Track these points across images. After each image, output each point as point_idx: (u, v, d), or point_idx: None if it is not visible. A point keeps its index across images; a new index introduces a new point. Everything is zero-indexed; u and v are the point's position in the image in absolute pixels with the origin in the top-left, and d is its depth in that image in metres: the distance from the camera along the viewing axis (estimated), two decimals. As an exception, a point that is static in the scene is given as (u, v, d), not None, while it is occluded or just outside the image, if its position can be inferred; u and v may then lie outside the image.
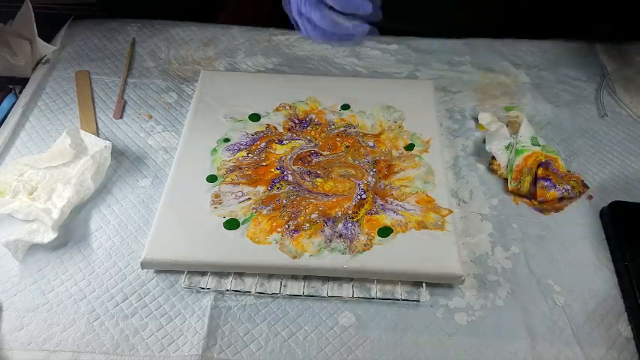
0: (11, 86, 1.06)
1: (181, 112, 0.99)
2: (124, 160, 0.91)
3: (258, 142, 0.91)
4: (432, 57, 1.12)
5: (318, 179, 0.85)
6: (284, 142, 0.91)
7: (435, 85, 1.03)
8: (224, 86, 0.99)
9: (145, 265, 0.75)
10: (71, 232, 0.81)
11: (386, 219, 0.80)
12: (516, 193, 0.87)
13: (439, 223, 0.79)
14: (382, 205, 0.82)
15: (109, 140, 0.89)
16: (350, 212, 0.80)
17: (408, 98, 0.98)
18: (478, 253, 0.80)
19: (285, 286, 0.76)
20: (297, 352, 0.70)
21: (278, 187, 0.84)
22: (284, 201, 0.82)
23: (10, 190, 0.81)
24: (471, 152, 0.94)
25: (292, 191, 0.83)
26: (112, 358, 0.69)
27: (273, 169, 0.86)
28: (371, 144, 0.91)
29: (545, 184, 0.85)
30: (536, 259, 0.80)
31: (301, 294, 0.75)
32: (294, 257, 0.75)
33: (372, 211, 0.81)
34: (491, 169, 0.91)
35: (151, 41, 1.13)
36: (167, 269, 0.76)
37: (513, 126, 0.96)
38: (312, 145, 0.91)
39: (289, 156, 0.89)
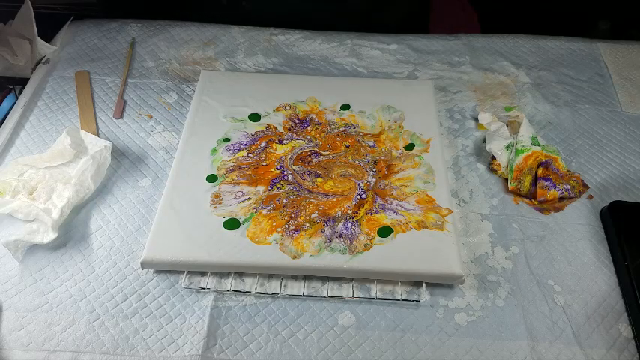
0: (11, 86, 1.06)
1: (181, 112, 0.99)
2: (124, 160, 0.91)
3: (258, 142, 0.91)
4: (432, 57, 1.12)
5: (318, 179, 0.85)
6: (284, 142, 0.91)
7: (435, 85, 1.03)
8: (224, 86, 0.99)
9: (145, 265, 0.75)
10: (71, 232, 0.81)
11: (386, 219, 0.80)
12: (516, 193, 0.87)
13: (439, 223, 0.79)
14: (382, 205, 0.82)
15: (109, 140, 0.89)
16: (350, 212, 0.80)
17: (408, 98, 0.98)
18: (478, 253, 0.80)
19: (285, 286, 0.76)
20: (297, 352, 0.70)
21: (278, 187, 0.84)
22: (284, 201, 0.82)
23: (10, 190, 0.81)
24: (471, 152, 0.94)
25: (292, 191, 0.83)
26: (112, 358, 0.69)
27: (273, 169, 0.86)
28: (371, 144, 0.91)
29: (545, 184, 0.85)
30: (536, 259, 0.80)
31: (301, 294, 0.75)
32: (294, 257, 0.75)
33: (372, 211, 0.81)
34: (491, 169, 0.91)
35: (151, 41, 1.13)
36: (167, 269, 0.76)
37: (513, 126, 0.96)
38: (312, 145, 0.91)
39: (289, 156, 0.89)
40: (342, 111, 0.97)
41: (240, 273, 0.77)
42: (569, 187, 0.86)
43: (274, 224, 0.79)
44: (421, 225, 0.79)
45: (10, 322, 0.71)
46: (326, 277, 0.77)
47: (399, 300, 0.74)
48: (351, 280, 0.77)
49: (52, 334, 0.70)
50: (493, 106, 1.02)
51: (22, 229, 0.77)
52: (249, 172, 0.86)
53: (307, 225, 0.79)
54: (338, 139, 0.92)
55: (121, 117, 0.98)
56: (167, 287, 0.75)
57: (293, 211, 0.80)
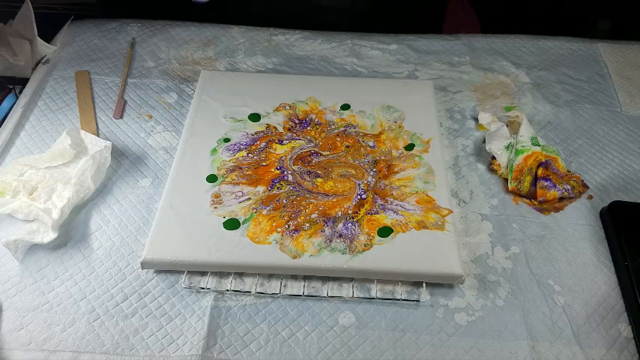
0: (11, 86, 1.06)
1: (181, 112, 0.99)
2: (124, 160, 0.91)
3: (258, 142, 0.91)
4: (432, 57, 1.12)
5: (318, 179, 0.85)
6: (284, 142, 0.91)
7: (435, 85, 1.03)
8: (224, 86, 0.99)
9: (145, 265, 0.75)
10: (71, 232, 0.81)
11: (386, 219, 0.80)
12: (516, 193, 0.87)
13: (439, 223, 0.79)
14: (382, 205, 0.82)
15: (109, 140, 0.89)
16: (350, 212, 0.80)
17: (408, 98, 0.98)
18: (478, 253, 0.80)
19: (285, 286, 0.76)
20: (297, 352, 0.70)
21: (278, 187, 0.84)
22: (284, 201, 0.82)
23: (10, 190, 0.81)
24: (471, 152, 0.94)
25: (292, 191, 0.83)
26: (112, 358, 0.69)
27: (273, 169, 0.86)
28: (371, 144, 0.91)
29: (545, 184, 0.85)
30: (536, 259, 0.80)
31: (301, 294, 0.75)
32: (294, 257, 0.75)
33: (372, 211, 0.81)
34: (491, 169, 0.91)
35: (151, 41, 1.13)
36: (167, 269, 0.76)
37: (513, 126, 0.96)
38: (312, 145, 0.91)
39: (289, 156, 0.89)
40: (342, 111, 0.97)
41: (240, 273, 0.77)
42: (569, 187, 0.86)
43: (274, 224, 0.79)
44: (421, 225, 0.79)
45: (10, 322, 0.71)
46: (326, 277, 0.76)
47: (399, 300, 0.74)
48: (351, 280, 0.76)
49: (52, 334, 0.70)
50: (493, 106, 1.02)
51: (22, 229, 0.77)
52: (249, 172, 0.86)
53: (307, 225, 0.79)
54: (338, 139, 0.92)
55: (121, 117, 0.98)
56: (167, 287, 0.75)
57: (293, 211, 0.80)
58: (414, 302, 0.74)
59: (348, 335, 0.71)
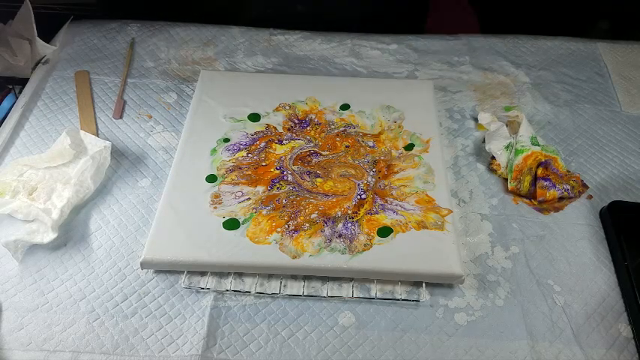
0: (11, 86, 1.05)
1: (181, 112, 0.99)
2: (124, 160, 0.91)
3: (258, 142, 0.91)
4: (432, 57, 1.12)
5: (318, 179, 0.85)
6: (284, 142, 0.91)
7: (435, 85, 1.03)
8: (224, 86, 0.99)
9: (144, 265, 0.75)
10: (71, 232, 0.81)
11: (386, 219, 0.80)
12: (516, 193, 0.87)
13: (439, 223, 0.79)
14: (382, 205, 0.82)
15: (108, 140, 0.89)
16: (350, 212, 0.80)
17: (408, 98, 0.98)
18: (478, 253, 0.80)
19: (285, 286, 0.76)
20: (297, 352, 0.70)
21: (278, 187, 0.84)
22: (284, 201, 0.82)
23: (10, 190, 0.81)
24: (471, 152, 0.94)
25: (292, 191, 0.83)
26: (112, 358, 0.69)
27: (273, 169, 0.86)
28: (371, 144, 0.91)
29: (545, 183, 0.85)
30: (536, 259, 0.80)
31: (301, 294, 0.75)
32: (294, 257, 0.75)
33: (372, 211, 0.81)
34: (491, 169, 0.91)
35: (150, 41, 1.13)
36: (167, 269, 0.76)
37: (513, 126, 0.96)
38: (312, 145, 0.91)
39: (289, 156, 0.89)
40: (341, 111, 0.97)
41: (240, 273, 0.77)
42: (568, 187, 0.86)
43: (274, 224, 0.79)
44: (421, 225, 0.79)
45: (10, 322, 0.71)
46: (326, 277, 0.76)
47: (398, 300, 0.74)
48: (350, 280, 0.76)
49: (51, 334, 0.70)
50: (493, 106, 1.02)
51: (22, 229, 0.77)
52: (249, 172, 0.86)
53: (307, 225, 0.79)
54: (338, 139, 0.92)
55: (121, 117, 0.98)
56: (167, 287, 0.75)
57: (293, 211, 0.80)
58: (414, 302, 0.74)
59: (347, 335, 0.71)
